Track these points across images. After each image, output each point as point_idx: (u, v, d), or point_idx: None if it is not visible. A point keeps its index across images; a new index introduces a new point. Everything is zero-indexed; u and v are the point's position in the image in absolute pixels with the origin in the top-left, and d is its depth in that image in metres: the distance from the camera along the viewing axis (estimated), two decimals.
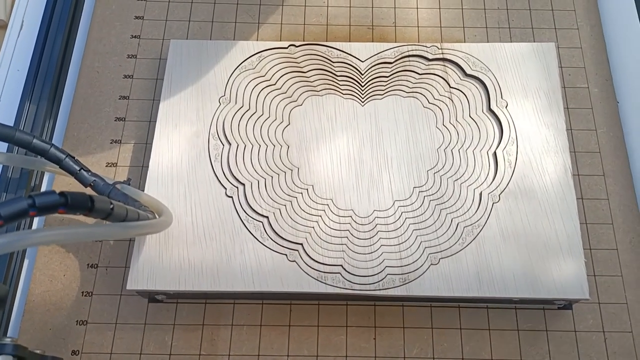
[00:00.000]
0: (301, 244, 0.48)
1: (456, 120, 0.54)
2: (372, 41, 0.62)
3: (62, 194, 0.31)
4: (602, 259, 0.52)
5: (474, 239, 0.48)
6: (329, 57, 0.57)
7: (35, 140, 0.44)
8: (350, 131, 0.53)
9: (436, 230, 0.49)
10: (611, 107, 0.59)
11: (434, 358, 0.48)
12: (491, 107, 0.54)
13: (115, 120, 0.57)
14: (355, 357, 0.48)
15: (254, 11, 0.64)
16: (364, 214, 0.50)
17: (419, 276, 0.47)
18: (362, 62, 0.56)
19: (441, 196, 0.50)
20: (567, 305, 0.50)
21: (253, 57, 0.56)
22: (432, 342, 0.49)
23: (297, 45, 0.57)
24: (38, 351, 0.35)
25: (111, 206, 0.35)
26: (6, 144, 0.52)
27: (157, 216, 0.44)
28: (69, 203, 0.31)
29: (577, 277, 0.47)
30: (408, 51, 0.57)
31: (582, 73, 0.60)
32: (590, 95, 0.59)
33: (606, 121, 0.58)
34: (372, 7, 0.64)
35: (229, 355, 0.48)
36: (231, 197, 0.50)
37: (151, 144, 0.52)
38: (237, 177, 0.51)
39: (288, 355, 0.48)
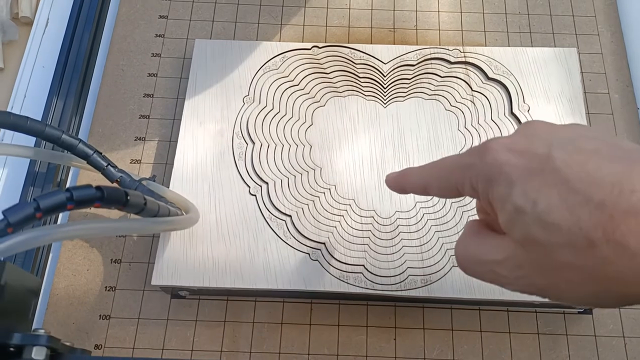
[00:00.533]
0: (324, 243, 0.49)
1: (478, 123, 0.54)
2: (394, 44, 0.63)
3: (98, 188, 0.32)
4: None
5: None
6: (351, 59, 0.57)
7: (64, 136, 0.45)
8: (372, 132, 0.54)
9: (458, 232, 0.49)
10: (632, 112, 0.59)
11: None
12: (513, 110, 0.54)
13: (139, 118, 0.58)
14: (375, 357, 0.49)
15: (276, 12, 0.64)
16: (385, 215, 0.50)
17: (441, 277, 0.47)
18: (385, 64, 0.57)
19: (462, 198, 0.51)
20: (587, 309, 0.50)
21: (276, 57, 0.57)
22: (453, 344, 0.49)
23: (320, 46, 0.58)
24: (68, 343, 0.35)
25: (144, 201, 0.35)
26: (33, 139, 0.52)
27: (183, 213, 0.45)
28: (105, 197, 0.32)
29: None
30: (430, 54, 0.57)
31: (602, 79, 0.60)
32: (610, 101, 0.59)
33: (627, 127, 0.58)
34: (394, 10, 0.65)
35: (250, 352, 0.48)
36: (254, 195, 0.50)
37: (174, 141, 0.53)
38: (260, 175, 0.51)
39: (309, 354, 0.48)
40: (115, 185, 0.47)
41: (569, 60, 0.56)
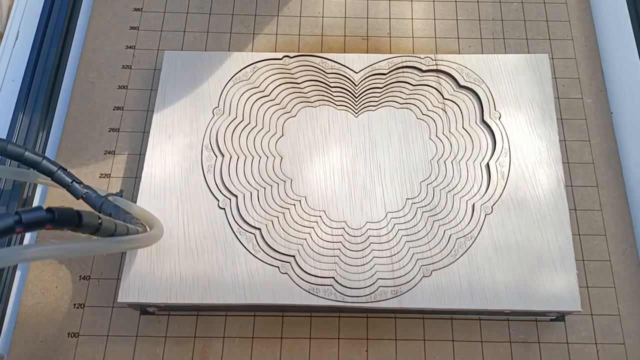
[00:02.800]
0: (293, 256, 0.48)
1: (449, 131, 0.54)
2: (367, 52, 0.62)
3: (49, 209, 0.31)
4: (595, 270, 0.52)
5: (466, 250, 0.48)
6: (323, 68, 0.57)
7: (27, 153, 0.44)
8: (343, 142, 0.53)
9: (429, 242, 0.49)
10: (605, 118, 0.59)
11: None
12: (484, 118, 0.54)
13: (109, 131, 0.57)
14: None
15: (249, 22, 0.64)
16: (356, 226, 0.50)
17: (411, 288, 0.47)
18: (356, 73, 0.57)
19: (434, 208, 0.50)
20: (560, 317, 0.50)
21: (247, 68, 0.57)
22: (425, 354, 0.49)
23: (291, 56, 0.57)
24: None
25: (99, 221, 0.35)
26: None
27: (147, 229, 0.44)
28: (56, 219, 0.31)
29: (569, 289, 0.47)
30: (402, 62, 0.57)
31: (576, 84, 0.60)
32: (584, 106, 0.59)
33: (600, 132, 0.58)
34: (367, 18, 0.64)
35: None
36: (224, 208, 0.50)
37: (145, 155, 0.52)
38: (229, 188, 0.51)
39: None
40: (81, 201, 0.46)
41: (540, 67, 0.56)
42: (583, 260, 0.52)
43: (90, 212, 0.34)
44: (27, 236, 0.53)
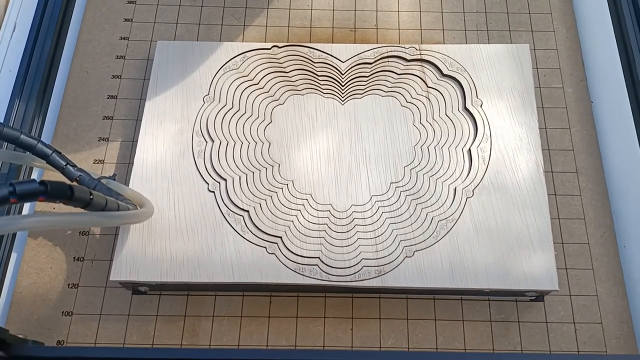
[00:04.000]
0: (280, 237, 0.50)
1: (432, 118, 0.55)
2: (355, 43, 0.64)
3: (42, 182, 0.33)
4: (573, 252, 0.54)
5: (448, 232, 0.50)
6: (310, 58, 0.58)
7: (22, 136, 0.46)
8: (330, 129, 0.55)
9: (412, 224, 0.51)
10: (585, 106, 0.60)
11: (408, 348, 0.50)
12: (466, 106, 0.56)
13: (103, 119, 0.59)
14: (332, 347, 0.50)
15: (239, 14, 0.66)
16: (342, 209, 0.51)
17: (394, 268, 0.49)
18: (343, 62, 0.58)
19: (417, 191, 0.52)
20: (539, 297, 0.51)
21: (237, 57, 0.58)
22: (408, 333, 0.50)
23: (280, 46, 0.59)
24: (21, 336, 0.36)
25: (90, 196, 0.36)
26: None
27: (138, 208, 0.46)
28: (48, 191, 0.33)
29: (547, 270, 0.48)
30: (387, 52, 0.59)
31: (557, 74, 0.62)
32: (565, 95, 0.61)
33: (580, 120, 0.60)
34: (355, 10, 0.66)
35: (210, 345, 0.49)
36: (213, 192, 0.52)
37: (137, 141, 0.54)
38: (219, 172, 0.53)
39: (267, 345, 0.50)
40: (75, 184, 0.48)
41: (521, 57, 0.58)
42: (562, 243, 0.54)
43: (82, 187, 0.36)
44: (25, 209, 0.54)
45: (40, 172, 0.56)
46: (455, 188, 0.52)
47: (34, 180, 0.33)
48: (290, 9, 0.66)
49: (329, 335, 0.50)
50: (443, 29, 0.65)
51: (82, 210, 0.39)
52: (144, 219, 0.45)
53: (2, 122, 0.49)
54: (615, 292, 0.52)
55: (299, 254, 0.49)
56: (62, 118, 0.59)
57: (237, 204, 0.51)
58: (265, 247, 0.49)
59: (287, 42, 0.64)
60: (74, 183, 0.48)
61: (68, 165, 0.48)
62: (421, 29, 0.65)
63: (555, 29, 0.65)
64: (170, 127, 0.54)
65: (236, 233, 0.50)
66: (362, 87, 0.57)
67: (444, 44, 0.64)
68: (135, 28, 0.64)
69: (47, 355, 0.39)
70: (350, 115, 0.56)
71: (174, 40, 0.63)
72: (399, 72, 0.58)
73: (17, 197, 0.32)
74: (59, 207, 0.54)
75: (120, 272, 0.48)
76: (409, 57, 0.58)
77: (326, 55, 0.59)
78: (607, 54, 0.61)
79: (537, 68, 0.62)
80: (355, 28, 0.65)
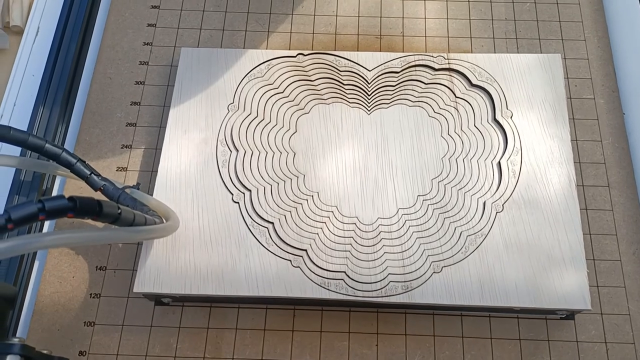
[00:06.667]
0: (305, 250, 0.49)
1: (461, 129, 0.54)
2: (380, 51, 0.63)
3: (71, 198, 0.32)
4: (605, 269, 0.52)
5: (477, 248, 0.49)
6: (336, 66, 0.57)
7: (47, 145, 0.45)
8: (356, 139, 0.54)
9: (439, 239, 0.49)
10: (617, 118, 0.59)
11: None
12: (496, 117, 0.54)
13: (126, 126, 0.58)
14: None
15: (264, 20, 0.65)
16: (368, 222, 0.50)
17: (422, 284, 0.48)
18: (369, 71, 0.57)
19: (445, 205, 0.51)
20: (570, 315, 0.50)
21: (262, 65, 0.57)
22: (434, 350, 0.49)
23: (305, 54, 0.58)
24: (45, 351, 0.36)
25: (119, 211, 0.36)
26: (19, 148, 0.53)
27: (164, 221, 0.45)
28: (77, 207, 0.32)
29: (579, 288, 0.47)
30: (414, 61, 0.58)
31: (588, 84, 0.60)
32: (596, 106, 0.59)
33: (612, 132, 0.58)
34: (381, 17, 0.65)
35: (233, 358, 0.49)
36: (237, 202, 0.51)
37: (161, 149, 0.53)
38: (243, 183, 0.52)
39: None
40: (98, 193, 0.47)
41: (552, 67, 0.57)
42: (594, 259, 0.53)
43: (110, 202, 0.35)
44: (46, 225, 0.54)
45: (63, 180, 0.56)
46: (485, 202, 0.51)
47: (62, 196, 0.32)
48: (315, 15, 0.65)
49: (353, 351, 0.49)
50: (471, 37, 0.64)
51: (100, 224, 0.39)
52: (170, 233, 0.45)
53: (27, 130, 0.49)
54: None
55: (325, 268, 0.48)
56: (85, 124, 0.58)
57: (262, 215, 0.50)
58: (290, 261, 0.48)
59: (312, 48, 0.63)
60: (98, 192, 0.47)
61: (92, 175, 0.47)
62: (448, 37, 0.64)
63: (587, 38, 0.63)
64: (194, 135, 0.54)
65: (261, 245, 0.49)
66: (389, 97, 0.56)
67: (472, 52, 0.62)
68: (159, 33, 0.63)
69: None
70: (377, 126, 0.55)
71: (197, 46, 0.63)
72: (426, 82, 0.57)
73: (47, 214, 0.31)
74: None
75: (144, 284, 0.47)
76: (436, 66, 0.57)
77: (352, 63, 0.58)
78: (639, 63, 0.60)
79: (567, 78, 0.60)
80: (381, 35, 0.64)
